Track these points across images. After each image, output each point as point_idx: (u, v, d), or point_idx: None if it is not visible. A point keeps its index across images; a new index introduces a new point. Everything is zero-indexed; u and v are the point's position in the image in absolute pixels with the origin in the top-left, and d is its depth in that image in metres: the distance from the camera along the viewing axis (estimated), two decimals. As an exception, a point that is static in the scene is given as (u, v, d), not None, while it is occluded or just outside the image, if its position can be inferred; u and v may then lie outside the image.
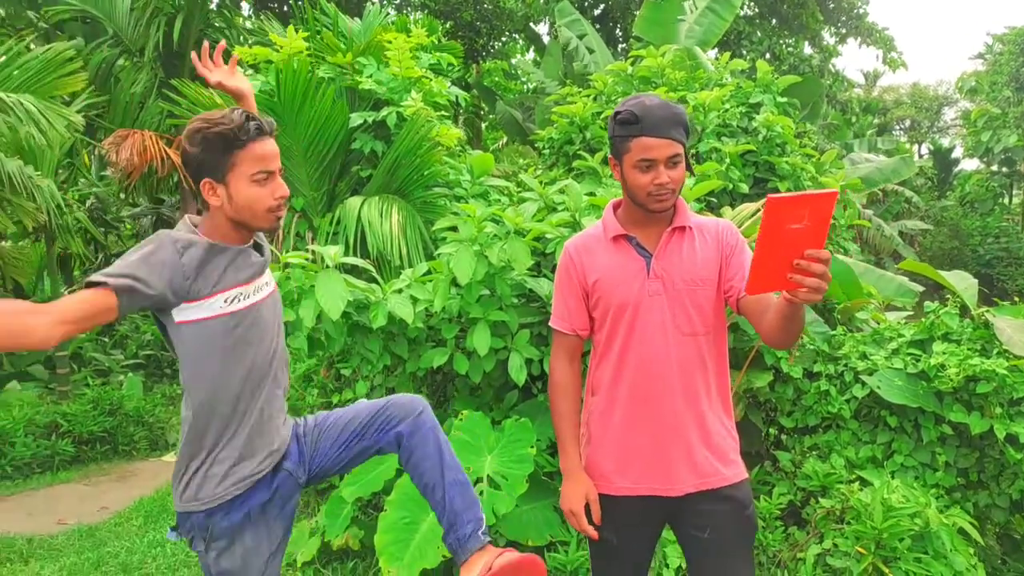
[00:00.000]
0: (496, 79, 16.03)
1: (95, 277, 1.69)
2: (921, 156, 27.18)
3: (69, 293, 8.02)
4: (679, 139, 1.91)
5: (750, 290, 1.63)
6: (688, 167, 1.97)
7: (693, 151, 5.10)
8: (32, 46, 6.17)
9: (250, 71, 5.40)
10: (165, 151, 6.83)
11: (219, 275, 1.85)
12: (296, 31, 4.88)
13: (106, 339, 11.56)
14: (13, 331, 1.55)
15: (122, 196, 10.63)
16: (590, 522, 2.08)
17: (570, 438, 2.14)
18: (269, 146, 1.87)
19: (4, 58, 5.48)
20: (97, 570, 4.18)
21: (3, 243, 9.43)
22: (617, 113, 1.95)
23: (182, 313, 1.82)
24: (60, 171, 7.26)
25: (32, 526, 5.17)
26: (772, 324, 1.84)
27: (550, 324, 2.22)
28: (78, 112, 6.19)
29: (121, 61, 8.13)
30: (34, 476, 6.52)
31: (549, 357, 3.72)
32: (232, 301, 1.87)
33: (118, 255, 13.57)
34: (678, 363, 1.98)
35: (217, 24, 7.88)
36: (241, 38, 8.47)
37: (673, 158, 1.90)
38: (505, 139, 13.94)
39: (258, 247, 2.02)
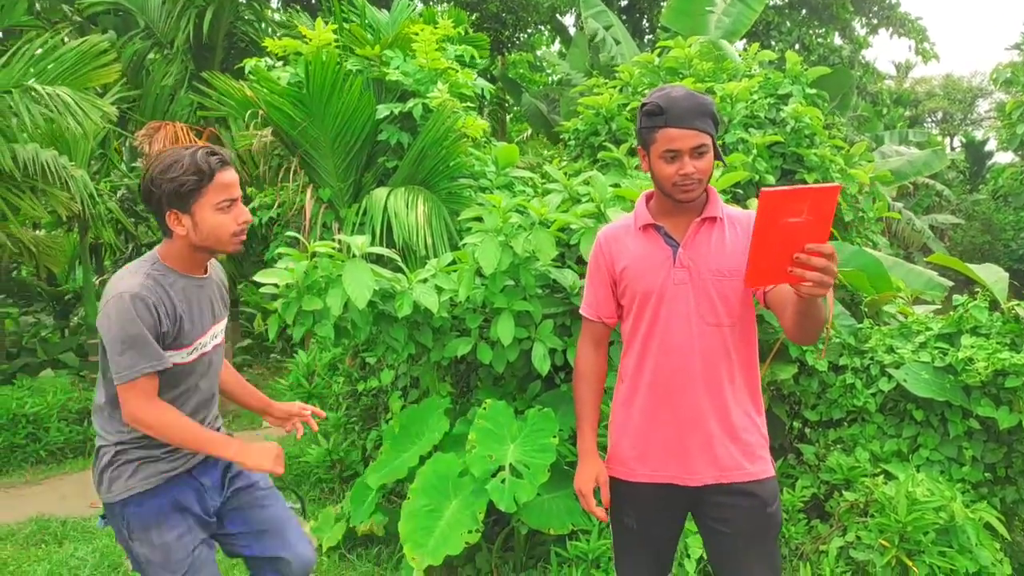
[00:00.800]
0: (521, 71, 16.02)
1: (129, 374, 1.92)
2: (953, 149, 26.71)
3: (100, 283, 8.15)
4: (705, 129, 1.91)
5: (748, 282, 1.66)
6: (718, 157, 1.98)
7: (720, 142, 5.07)
8: (66, 39, 6.29)
9: (279, 63, 5.47)
10: (196, 142, 6.93)
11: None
12: (325, 24, 4.93)
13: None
14: None
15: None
16: (599, 506, 2.12)
17: (587, 422, 2.20)
18: (230, 175, 2.00)
19: (41, 51, 5.59)
20: (130, 552, 4.27)
21: (37, 232, 9.63)
22: (644, 105, 1.96)
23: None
24: (92, 162, 7.39)
25: (65, 509, 5.30)
26: (790, 319, 1.86)
27: (580, 310, 2.27)
28: (112, 104, 6.30)
29: (152, 54, 8.25)
30: (67, 461, 6.68)
31: (573, 347, 3.77)
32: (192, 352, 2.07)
33: (149, 246, 13.80)
34: (701, 353, 1.99)
35: (247, 17, 7.96)
36: (270, 30, 8.57)
37: (699, 148, 1.90)
38: (529, 131, 13.92)
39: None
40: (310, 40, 5.05)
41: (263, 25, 8.29)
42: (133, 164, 9.96)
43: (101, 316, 1.92)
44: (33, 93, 5.33)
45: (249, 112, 5.08)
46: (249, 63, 5.15)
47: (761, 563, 2.03)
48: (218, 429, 2.30)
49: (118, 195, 9.27)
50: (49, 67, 5.51)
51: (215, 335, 2.16)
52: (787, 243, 1.58)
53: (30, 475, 6.32)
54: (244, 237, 2.07)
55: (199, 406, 2.18)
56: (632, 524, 2.12)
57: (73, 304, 11.76)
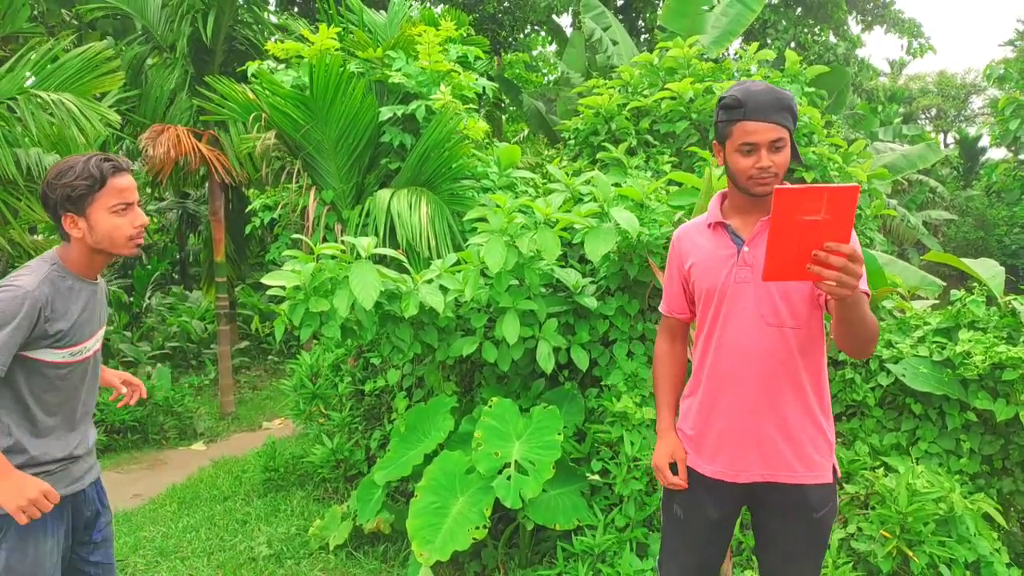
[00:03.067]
0: (517, 71, 16.05)
1: None
2: (947, 145, 26.80)
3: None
4: (784, 124, 1.90)
5: (766, 276, 1.67)
6: (795, 154, 1.96)
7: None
8: (67, 47, 6.31)
9: (281, 66, 5.50)
10: (196, 146, 6.95)
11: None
12: (329, 25, 4.97)
13: (132, 331, 11.81)
14: None
15: (148, 191, 10.81)
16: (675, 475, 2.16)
17: (664, 403, 2.27)
18: (126, 180, 2.08)
19: (44, 58, 5.62)
20: (135, 553, 4.31)
21: (36, 237, 9.63)
22: (722, 99, 1.97)
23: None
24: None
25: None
26: (834, 327, 1.85)
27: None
28: (110, 108, 6.33)
29: (151, 58, 8.27)
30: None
31: (577, 346, 3.82)
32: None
33: (145, 249, 13.68)
34: (761, 353, 1.97)
35: (246, 20, 7.98)
36: (266, 32, 8.59)
37: (776, 142, 1.89)
38: (526, 131, 13.96)
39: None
40: (312, 43, 5.09)
41: (261, 28, 8.31)
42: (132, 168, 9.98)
43: None
44: (38, 100, 5.36)
45: (253, 115, 5.11)
46: (251, 66, 5.18)
47: (804, 568, 2.05)
48: (93, 434, 2.32)
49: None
50: (53, 74, 5.54)
51: (97, 339, 2.23)
52: (805, 240, 1.60)
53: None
54: (141, 241, 2.15)
55: (84, 413, 2.24)
56: (679, 513, 2.17)
57: (72, 308, 11.76)
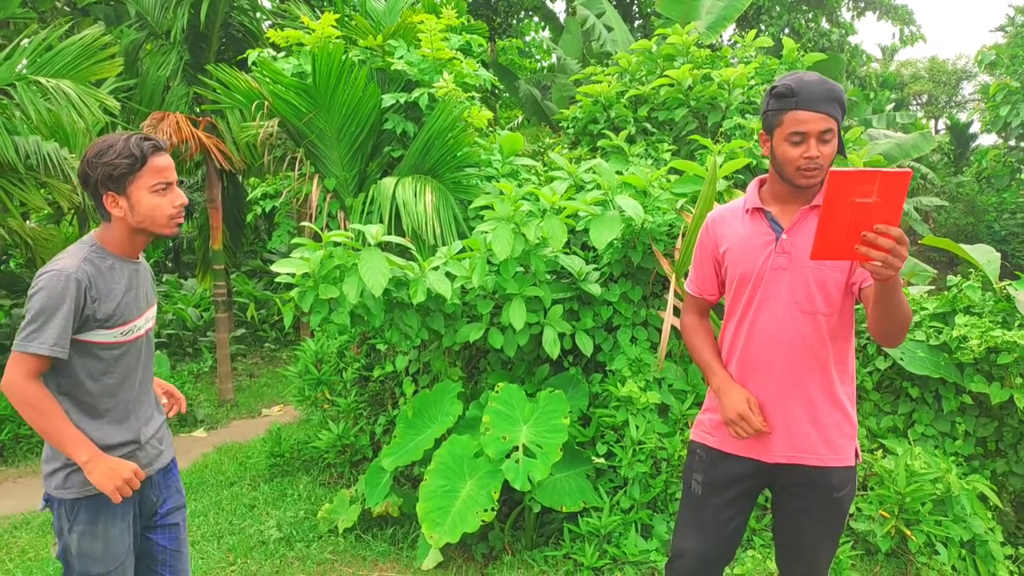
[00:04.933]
0: (511, 57, 16.03)
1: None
2: (938, 131, 26.92)
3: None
4: (834, 115, 1.92)
5: (814, 255, 1.71)
6: (840, 148, 1.98)
7: (720, 129, 5.18)
8: (64, 34, 6.28)
9: (282, 53, 5.50)
10: (195, 133, 6.95)
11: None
12: (332, 8, 4.98)
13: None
14: None
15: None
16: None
17: (713, 360, 2.20)
18: (165, 160, 2.09)
19: (42, 44, 5.60)
20: (146, 536, 4.35)
21: (31, 225, 9.60)
22: (774, 87, 1.97)
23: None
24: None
25: (77, 496, 5.37)
26: (871, 313, 1.89)
27: (685, 286, 2.37)
28: (107, 93, 6.31)
29: (147, 44, 8.23)
30: (73, 450, 6.73)
31: (581, 332, 3.88)
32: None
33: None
34: (793, 338, 2.02)
35: (242, 6, 7.93)
36: (262, 18, 8.55)
37: (825, 133, 1.91)
38: (521, 118, 13.97)
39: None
40: (313, 31, 5.09)
41: (257, 15, 8.27)
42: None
43: (32, 289, 1.99)
44: (36, 86, 5.36)
45: (255, 103, 5.12)
46: (252, 54, 5.18)
47: (820, 546, 2.11)
48: (159, 424, 2.31)
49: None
50: (51, 60, 5.52)
51: (148, 319, 2.22)
52: (856, 222, 1.64)
53: (36, 465, 6.38)
54: (181, 220, 2.15)
55: (143, 396, 2.22)
56: (698, 490, 2.20)
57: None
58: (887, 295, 1.79)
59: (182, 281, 14.16)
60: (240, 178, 9.96)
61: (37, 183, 6.39)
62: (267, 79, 4.93)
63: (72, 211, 7.48)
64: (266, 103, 5.09)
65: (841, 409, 2.07)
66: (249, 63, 5.22)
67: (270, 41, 5.48)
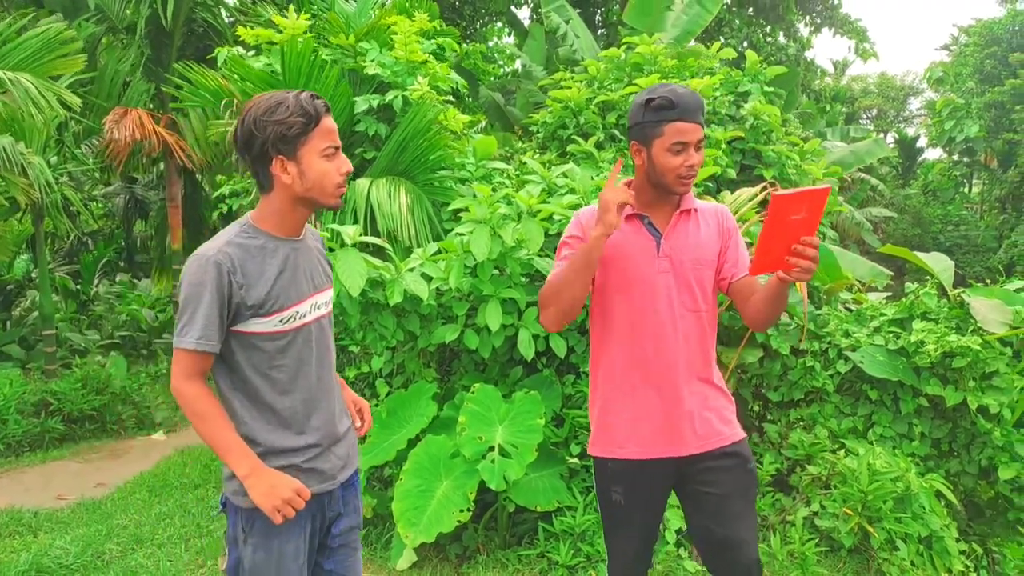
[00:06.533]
0: (474, 62, 16.05)
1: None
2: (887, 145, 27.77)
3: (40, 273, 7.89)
4: (703, 124, 2.09)
5: (753, 271, 1.90)
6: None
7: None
8: (26, 26, 6.13)
9: (252, 52, 5.45)
10: (156, 129, 6.84)
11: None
12: (297, 13, 4.95)
13: (83, 317, 11.51)
14: None
15: (97, 175, 10.53)
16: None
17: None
18: (332, 121, 1.86)
19: (1, 38, 5.46)
20: (109, 540, 4.27)
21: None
22: (649, 100, 2.05)
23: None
24: (47, 149, 7.22)
25: (32, 501, 5.24)
26: (758, 306, 2.07)
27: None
28: (65, 87, 6.18)
29: (105, 39, 8.07)
30: (25, 454, 6.56)
31: (556, 334, 3.92)
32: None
33: (91, 235, 13.21)
34: (683, 337, 2.15)
35: (207, 2, 7.84)
36: (226, 14, 8.45)
37: (700, 142, 2.07)
38: (484, 122, 14.02)
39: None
40: (283, 29, 5.06)
41: (222, 11, 8.18)
42: (74, 151, 9.71)
43: (181, 278, 1.83)
44: (-6, 80, 5.23)
45: (224, 102, 5.06)
46: (222, 52, 5.13)
47: (745, 518, 2.20)
48: (345, 429, 2.05)
49: (57, 182, 9.02)
50: (11, 53, 5.39)
51: (316, 305, 1.96)
52: (787, 237, 1.84)
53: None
54: (344, 190, 1.92)
55: (323, 393, 1.97)
56: (620, 500, 2.24)
57: (16, 294, 11.40)
58: (783, 291, 1.99)
59: (135, 281, 13.84)
60: (200, 177, 9.81)
61: (-8, 178, 6.22)
62: (237, 77, 4.89)
63: (28, 206, 7.27)
64: (235, 101, 5.04)
65: (723, 391, 2.26)
66: (219, 62, 5.16)
67: (239, 39, 5.42)
